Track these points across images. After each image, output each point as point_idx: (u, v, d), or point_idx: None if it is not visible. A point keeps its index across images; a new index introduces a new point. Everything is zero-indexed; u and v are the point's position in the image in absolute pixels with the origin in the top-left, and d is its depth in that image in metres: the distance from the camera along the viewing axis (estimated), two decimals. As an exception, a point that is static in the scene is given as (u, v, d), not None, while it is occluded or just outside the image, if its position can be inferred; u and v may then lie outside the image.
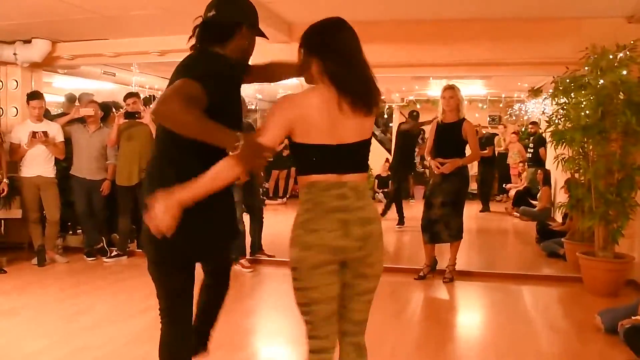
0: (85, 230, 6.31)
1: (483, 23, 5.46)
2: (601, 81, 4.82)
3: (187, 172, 1.92)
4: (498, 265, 6.32)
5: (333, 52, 1.98)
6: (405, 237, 7.98)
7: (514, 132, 11.93)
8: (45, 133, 5.72)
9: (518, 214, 9.66)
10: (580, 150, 5.13)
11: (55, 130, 5.89)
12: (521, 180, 11.16)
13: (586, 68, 4.95)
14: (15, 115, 6.54)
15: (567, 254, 5.93)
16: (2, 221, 6.46)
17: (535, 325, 4.26)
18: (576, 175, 5.40)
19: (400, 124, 9.46)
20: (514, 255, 7.31)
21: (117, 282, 5.24)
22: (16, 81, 6.57)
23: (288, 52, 5.14)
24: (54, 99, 9.12)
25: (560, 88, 5.24)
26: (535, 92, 9.42)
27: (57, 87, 8.90)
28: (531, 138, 10.61)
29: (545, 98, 7.90)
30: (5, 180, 5.62)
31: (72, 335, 3.81)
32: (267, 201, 10.14)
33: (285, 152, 9.80)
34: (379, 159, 11.84)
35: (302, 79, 2.12)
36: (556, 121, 5.35)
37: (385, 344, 3.67)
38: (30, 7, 4.97)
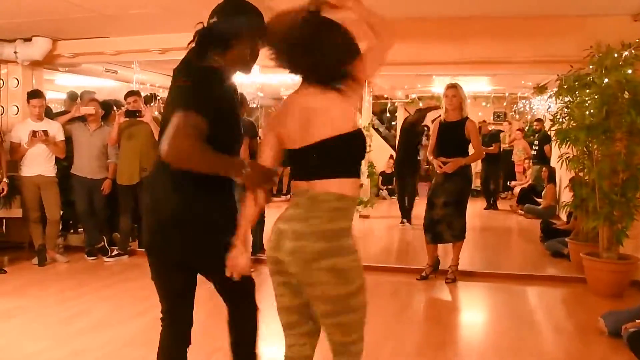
0: (86, 230, 6.29)
1: (487, 21, 5.39)
2: (606, 80, 4.76)
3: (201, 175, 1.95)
4: (501, 264, 6.27)
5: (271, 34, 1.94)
6: (408, 236, 7.92)
7: (519, 129, 11.88)
8: (45, 132, 5.70)
9: (522, 212, 9.61)
10: (585, 149, 5.07)
11: (55, 129, 5.87)
12: (526, 177, 11.12)
13: (591, 66, 4.90)
14: (16, 114, 6.51)
15: (571, 254, 5.88)
16: (3, 221, 6.46)
17: (538, 326, 4.22)
18: (580, 174, 5.34)
19: (405, 119, 9.40)
20: (517, 255, 7.26)
21: (118, 283, 5.22)
22: (17, 79, 6.54)
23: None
24: (56, 97, 9.13)
25: (565, 87, 5.16)
26: (540, 89, 9.33)
27: (60, 85, 8.89)
28: (536, 135, 10.54)
29: (550, 95, 7.83)
30: (5, 179, 5.61)
31: (71, 336, 3.80)
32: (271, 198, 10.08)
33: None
34: (383, 155, 11.80)
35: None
36: (560, 120, 5.29)
37: (385, 344, 3.65)
38: (30, 5, 4.96)
